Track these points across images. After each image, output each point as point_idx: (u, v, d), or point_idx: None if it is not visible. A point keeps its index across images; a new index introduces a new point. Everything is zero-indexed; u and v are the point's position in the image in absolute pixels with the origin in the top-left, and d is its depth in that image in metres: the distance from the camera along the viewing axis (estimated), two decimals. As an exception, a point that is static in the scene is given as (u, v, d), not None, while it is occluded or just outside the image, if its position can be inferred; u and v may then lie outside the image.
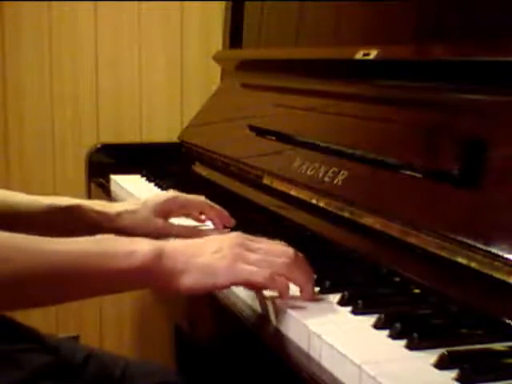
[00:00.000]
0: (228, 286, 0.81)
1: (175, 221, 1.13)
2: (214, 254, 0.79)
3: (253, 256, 0.79)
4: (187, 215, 1.15)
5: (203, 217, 1.15)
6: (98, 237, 0.80)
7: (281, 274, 0.79)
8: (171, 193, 1.16)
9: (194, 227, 1.13)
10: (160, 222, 1.10)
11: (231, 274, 0.78)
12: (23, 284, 0.74)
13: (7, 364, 0.93)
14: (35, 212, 1.08)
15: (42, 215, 1.08)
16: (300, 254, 0.82)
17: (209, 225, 1.15)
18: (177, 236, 1.09)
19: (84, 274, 0.76)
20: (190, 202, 1.13)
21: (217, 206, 1.12)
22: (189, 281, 0.77)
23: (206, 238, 0.85)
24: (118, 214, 1.10)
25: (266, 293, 0.82)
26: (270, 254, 0.80)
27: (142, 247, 0.78)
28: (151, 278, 0.78)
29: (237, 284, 0.80)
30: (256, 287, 0.80)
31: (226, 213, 1.12)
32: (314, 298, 0.80)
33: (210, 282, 0.78)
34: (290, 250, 0.81)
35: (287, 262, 0.79)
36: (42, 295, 0.77)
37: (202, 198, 1.14)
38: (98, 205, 1.12)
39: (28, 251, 0.74)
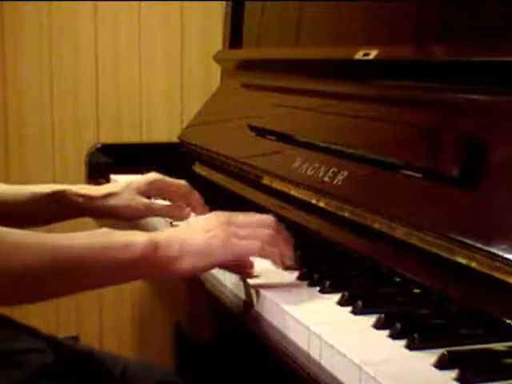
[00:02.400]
0: (223, 263, 0.85)
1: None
2: (205, 234, 0.82)
3: (241, 231, 0.84)
4: (168, 199, 1.19)
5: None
6: (94, 231, 0.81)
7: (268, 244, 0.85)
8: (153, 174, 1.19)
9: (176, 205, 1.16)
10: (143, 201, 1.13)
11: (226, 251, 0.82)
12: (25, 279, 0.74)
13: (7, 364, 0.93)
14: (22, 200, 1.10)
15: (28, 203, 1.10)
16: (278, 222, 0.88)
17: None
18: (159, 215, 1.15)
19: (85, 267, 0.78)
20: (171, 184, 1.18)
21: (196, 192, 1.17)
22: (184, 265, 0.80)
23: (193, 219, 0.90)
24: (103, 197, 1.12)
25: (267, 293, 0.82)
26: (256, 226, 0.85)
27: (137, 239, 0.79)
28: (149, 267, 0.80)
29: (232, 260, 0.84)
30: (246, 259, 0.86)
31: (202, 201, 1.17)
32: (294, 266, 0.87)
33: (207, 262, 0.82)
34: (271, 219, 0.87)
35: (272, 232, 0.85)
36: (44, 289, 0.78)
37: (183, 181, 1.18)
38: (83, 188, 1.15)
39: (30, 246, 0.75)
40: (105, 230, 0.82)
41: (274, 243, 0.85)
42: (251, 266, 0.89)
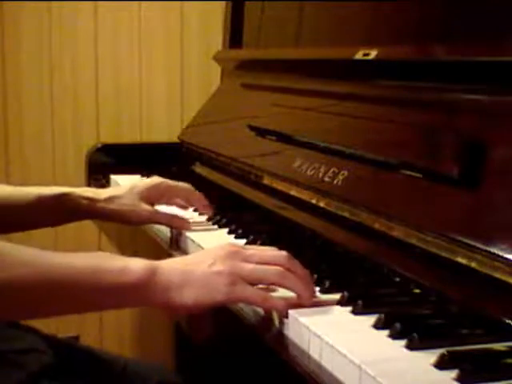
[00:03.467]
0: (225, 304, 0.80)
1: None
2: (209, 266, 0.77)
3: (247, 266, 0.78)
4: (172, 202, 1.20)
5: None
6: (94, 253, 0.80)
7: (277, 283, 0.79)
8: (156, 178, 1.20)
9: (178, 216, 1.17)
10: (146, 207, 1.14)
11: (230, 293, 0.76)
12: (19, 293, 0.73)
13: (7, 364, 0.93)
14: (27, 203, 1.11)
15: (32, 205, 1.11)
16: (293, 258, 0.81)
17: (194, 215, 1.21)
18: (162, 223, 1.15)
19: (79, 288, 0.76)
20: (174, 187, 1.19)
21: (198, 193, 1.19)
22: (189, 297, 0.76)
23: (200, 252, 0.85)
24: (106, 200, 1.13)
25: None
26: (264, 261, 0.79)
27: (135, 263, 0.77)
28: (147, 294, 0.77)
29: (235, 302, 0.81)
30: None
31: (206, 201, 1.19)
32: (314, 303, 0.79)
33: (209, 299, 0.77)
34: (284, 254, 0.80)
35: (281, 270, 0.78)
36: (37, 306, 0.76)
37: (186, 184, 1.19)
38: (87, 191, 1.16)
39: (28, 262, 0.74)
40: (105, 253, 0.80)
41: (284, 281, 0.78)
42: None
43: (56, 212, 1.12)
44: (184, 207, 1.22)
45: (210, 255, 0.79)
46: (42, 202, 1.11)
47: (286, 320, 0.77)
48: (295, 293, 0.78)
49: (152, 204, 1.17)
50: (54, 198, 1.12)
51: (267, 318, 0.80)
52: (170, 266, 0.78)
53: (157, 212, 1.16)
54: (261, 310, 0.82)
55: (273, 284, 0.79)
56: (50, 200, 1.11)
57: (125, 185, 1.21)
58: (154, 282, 0.76)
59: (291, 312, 0.76)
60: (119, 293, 0.76)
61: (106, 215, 1.15)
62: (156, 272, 0.76)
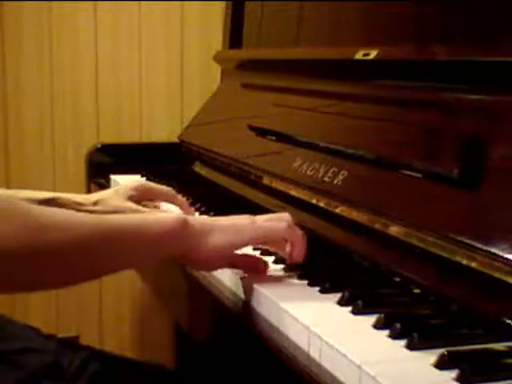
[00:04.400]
0: (253, 243, 0.91)
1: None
2: (232, 219, 0.87)
3: (263, 218, 0.89)
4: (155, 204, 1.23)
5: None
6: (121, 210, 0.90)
7: (284, 238, 0.89)
8: (139, 180, 1.26)
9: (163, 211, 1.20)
10: (133, 207, 1.15)
11: (255, 230, 0.86)
12: (79, 252, 0.76)
13: (7, 364, 0.93)
14: None
15: None
16: (293, 224, 0.90)
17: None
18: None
19: (128, 241, 0.80)
20: (156, 188, 1.21)
21: (180, 197, 1.21)
22: (219, 238, 0.84)
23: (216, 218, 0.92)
24: (95, 203, 1.15)
25: (267, 292, 0.82)
26: (274, 218, 0.90)
27: (166, 214, 0.86)
28: (182, 240, 0.83)
29: (259, 240, 0.90)
30: (276, 241, 0.90)
31: (187, 204, 1.21)
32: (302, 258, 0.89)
33: (238, 239, 0.85)
34: (287, 214, 0.91)
35: (290, 222, 0.88)
36: (94, 264, 0.79)
37: (167, 188, 1.22)
38: (76, 196, 1.17)
39: (82, 222, 0.77)
40: (132, 207, 0.91)
41: (295, 226, 0.88)
42: (266, 265, 0.91)
43: None
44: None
45: (228, 216, 0.89)
46: None
47: (286, 320, 0.77)
48: (297, 242, 0.88)
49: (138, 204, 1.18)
50: (42, 202, 1.12)
51: (267, 318, 0.81)
52: (198, 218, 0.87)
53: (141, 210, 1.17)
54: (260, 310, 0.82)
55: (280, 239, 0.90)
56: (39, 204, 1.12)
57: (110, 189, 1.25)
58: (187, 229, 0.82)
59: (291, 312, 0.76)
60: (160, 242, 0.82)
61: None
62: (187, 222, 0.83)
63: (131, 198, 1.17)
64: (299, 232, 0.89)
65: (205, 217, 0.90)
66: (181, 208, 1.20)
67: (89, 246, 0.76)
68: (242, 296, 0.88)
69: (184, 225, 0.82)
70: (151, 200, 1.22)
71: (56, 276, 0.77)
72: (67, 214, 0.79)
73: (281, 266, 0.92)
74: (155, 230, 0.81)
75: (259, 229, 0.87)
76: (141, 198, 1.19)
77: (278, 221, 0.89)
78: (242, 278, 0.88)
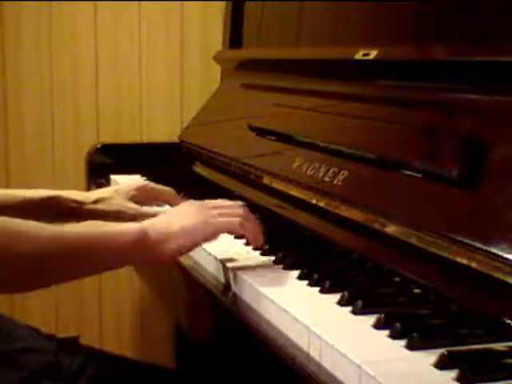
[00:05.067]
0: (206, 241, 0.93)
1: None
2: (186, 219, 0.91)
3: (215, 210, 0.93)
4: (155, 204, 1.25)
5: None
6: (86, 222, 0.90)
7: (236, 231, 0.94)
8: (140, 181, 1.27)
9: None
10: (133, 207, 1.17)
11: (207, 230, 0.91)
12: (43, 262, 0.81)
13: (7, 364, 0.93)
14: (12, 205, 1.12)
15: (21, 208, 1.12)
16: (248, 211, 0.95)
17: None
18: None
19: (88, 253, 0.85)
20: (158, 189, 1.23)
21: (181, 198, 1.22)
22: (172, 247, 0.89)
23: (170, 210, 0.98)
24: (95, 202, 1.16)
25: (267, 292, 0.82)
26: (227, 209, 0.94)
27: (130, 226, 0.89)
28: (141, 252, 0.88)
29: (213, 237, 0.92)
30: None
31: None
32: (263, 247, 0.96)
33: (191, 242, 0.90)
34: (239, 203, 0.97)
35: (243, 213, 0.94)
36: (57, 272, 0.85)
37: (169, 188, 1.23)
38: (75, 194, 1.18)
39: (42, 235, 0.82)
40: (97, 221, 0.91)
41: (248, 219, 0.93)
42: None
43: (44, 214, 1.13)
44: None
45: (183, 211, 0.94)
46: (29, 205, 1.12)
47: (286, 320, 0.77)
48: (252, 233, 0.94)
49: (137, 204, 1.19)
50: (40, 201, 1.12)
51: (267, 318, 0.81)
52: (154, 224, 0.90)
53: (142, 210, 1.18)
54: (260, 310, 0.82)
55: (232, 231, 0.95)
56: (38, 202, 1.12)
57: (110, 187, 1.26)
58: (147, 240, 0.88)
59: (291, 312, 0.76)
60: (119, 255, 0.88)
61: (93, 217, 1.15)
62: (147, 232, 0.88)
63: (133, 198, 1.18)
64: (248, 224, 0.93)
65: (161, 218, 0.93)
66: None
67: (50, 256, 0.82)
68: (241, 296, 0.88)
69: (144, 236, 0.88)
70: (153, 201, 1.22)
71: (22, 281, 0.83)
72: (34, 226, 0.83)
73: (281, 266, 0.92)
74: (115, 244, 0.86)
75: (210, 228, 0.91)
76: (142, 198, 1.20)
77: (229, 214, 0.93)
78: (240, 277, 0.89)
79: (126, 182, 1.24)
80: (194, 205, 0.95)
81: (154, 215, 1.17)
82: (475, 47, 0.92)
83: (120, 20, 2.03)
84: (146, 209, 1.20)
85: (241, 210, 0.94)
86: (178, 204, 1.20)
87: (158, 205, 1.24)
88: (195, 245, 0.92)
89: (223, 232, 0.93)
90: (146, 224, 0.90)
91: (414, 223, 0.86)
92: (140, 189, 1.19)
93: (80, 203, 1.15)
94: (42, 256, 0.81)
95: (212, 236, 0.92)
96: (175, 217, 0.92)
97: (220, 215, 0.92)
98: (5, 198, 1.12)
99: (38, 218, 1.13)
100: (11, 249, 0.79)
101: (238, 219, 0.92)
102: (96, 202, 1.16)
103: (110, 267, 0.90)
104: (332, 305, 0.79)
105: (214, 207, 0.94)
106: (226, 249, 0.99)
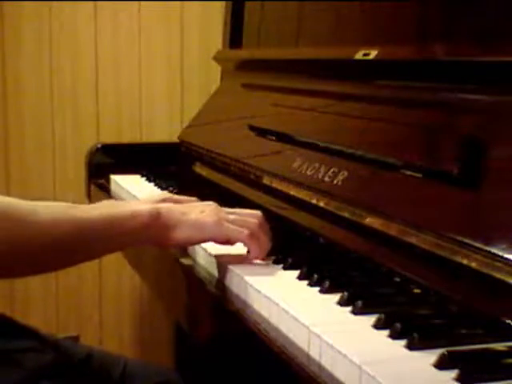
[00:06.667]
0: (213, 240, 0.93)
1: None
2: (200, 213, 0.92)
3: (231, 216, 0.93)
4: None
5: None
6: (100, 203, 0.93)
7: (244, 242, 0.93)
8: (164, 193, 1.25)
9: None
10: None
11: (216, 230, 0.91)
12: (56, 248, 0.86)
13: (7, 364, 0.93)
14: None
15: None
16: (264, 224, 0.95)
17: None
18: None
19: (101, 235, 0.89)
20: (182, 200, 1.18)
21: None
22: (180, 235, 0.91)
23: (188, 204, 0.98)
24: None
25: (267, 292, 0.82)
26: (244, 215, 0.95)
27: (142, 208, 0.90)
28: (151, 234, 0.91)
29: (220, 240, 0.93)
30: (233, 243, 0.94)
31: None
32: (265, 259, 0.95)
33: (198, 236, 0.92)
34: (259, 213, 0.96)
35: (258, 222, 0.93)
36: (69, 257, 0.90)
37: (194, 198, 1.18)
38: None
39: (60, 220, 0.86)
40: (111, 202, 0.95)
41: (259, 234, 0.93)
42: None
43: None
44: None
45: (201, 206, 0.95)
46: None
47: (286, 320, 0.77)
48: (251, 253, 0.93)
49: None
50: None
51: (267, 318, 0.81)
52: (168, 209, 0.92)
53: None
54: (260, 310, 0.82)
55: (239, 241, 0.93)
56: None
57: (131, 200, 1.29)
58: (157, 223, 0.90)
59: (291, 312, 0.76)
60: (131, 236, 0.91)
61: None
62: (159, 215, 0.90)
63: None
64: (256, 242, 0.93)
65: (178, 206, 0.94)
66: None
67: (67, 241, 0.86)
68: (242, 295, 0.88)
69: (157, 216, 0.90)
70: None
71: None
72: (59, 208, 0.88)
73: (281, 266, 0.92)
74: (128, 225, 0.89)
75: (221, 231, 0.91)
76: None
77: (242, 225, 0.92)
78: (242, 280, 0.89)
79: (149, 195, 1.24)
80: (211, 205, 0.95)
81: None
82: (475, 47, 0.92)
83: (120, 20, 2.03)
84: None
85: (254, 222, 0.93)
86: None
87: None
88: (202, 240, 0.94)
89: (231, 238, 0.93)
90: (162, 206, 0.92)
91: (414, 223, 0.86)
92: (165, 200, 1.18)
93: None
94: (57, 242, 0.85)
95: (220, 237, 0.92)
96: (191, 209, 0.93)
97: (233, 221, 0.92)
98: None
99: None
100: (40, 233, 0.83)
101: (247, 231, 0.92)
102: None
103: (124, 247, 0.96)
104: (332, 305, 0.79)
105: (231, 213, 0.94)
106: (227, 249, 0.99)
